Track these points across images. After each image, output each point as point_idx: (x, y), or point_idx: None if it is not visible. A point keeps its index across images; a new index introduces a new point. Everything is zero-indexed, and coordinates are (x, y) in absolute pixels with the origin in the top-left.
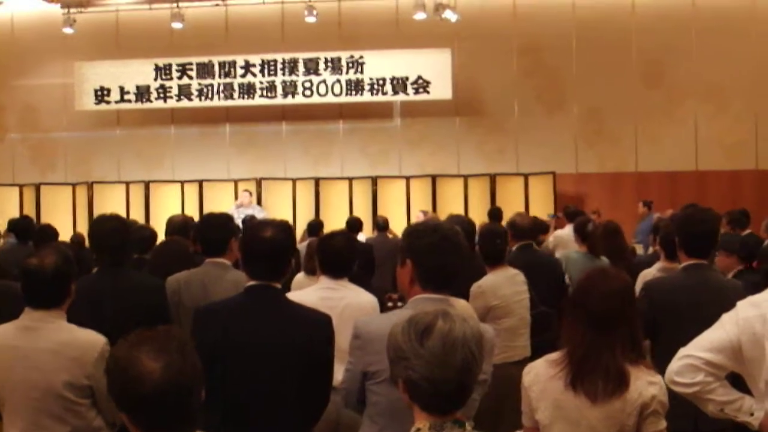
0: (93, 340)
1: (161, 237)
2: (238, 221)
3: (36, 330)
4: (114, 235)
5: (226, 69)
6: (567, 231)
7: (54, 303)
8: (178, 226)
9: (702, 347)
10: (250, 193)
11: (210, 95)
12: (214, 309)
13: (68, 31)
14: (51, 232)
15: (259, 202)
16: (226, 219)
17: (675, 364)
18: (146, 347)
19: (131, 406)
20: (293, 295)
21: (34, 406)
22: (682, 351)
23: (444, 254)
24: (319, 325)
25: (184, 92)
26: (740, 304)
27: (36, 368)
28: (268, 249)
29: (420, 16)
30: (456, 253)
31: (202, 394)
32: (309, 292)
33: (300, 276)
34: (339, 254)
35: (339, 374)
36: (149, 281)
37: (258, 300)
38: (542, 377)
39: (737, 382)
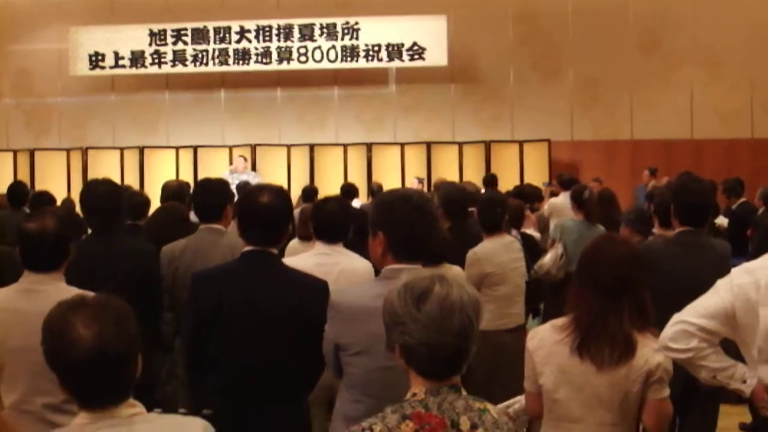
0: None
1: (155, 202)
2: (232, 186)
3: (36, 293)
4: (106, 200)
5: (221, 35)
6: (562, 199)
7: (53, 266)
8: (173, 191)
9: (696, 313)
10: (245, 159)
11: (205, 61)
12: (211, 274)
13: None
14: (47, 198)
15: (253, 168)
16: (221, 185)
17: (669, 329)
18: (82, 313)
19: (61, 370)
20: (288, 261)
21: (34, 370)
22: (676, 317)
23: (416, 225)
24: (316, 290)
25: (179, 58)
26: (734, 270)
27: (36, 332)
28: (265, 214)
29: None
30: (428, 222)
31: (138, 365)
32: (304, 257)
33: (294, 242)
34: (333, 219)
35: None
36: (141, 246)
37: (254, 265)
38: (548, 342)
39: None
